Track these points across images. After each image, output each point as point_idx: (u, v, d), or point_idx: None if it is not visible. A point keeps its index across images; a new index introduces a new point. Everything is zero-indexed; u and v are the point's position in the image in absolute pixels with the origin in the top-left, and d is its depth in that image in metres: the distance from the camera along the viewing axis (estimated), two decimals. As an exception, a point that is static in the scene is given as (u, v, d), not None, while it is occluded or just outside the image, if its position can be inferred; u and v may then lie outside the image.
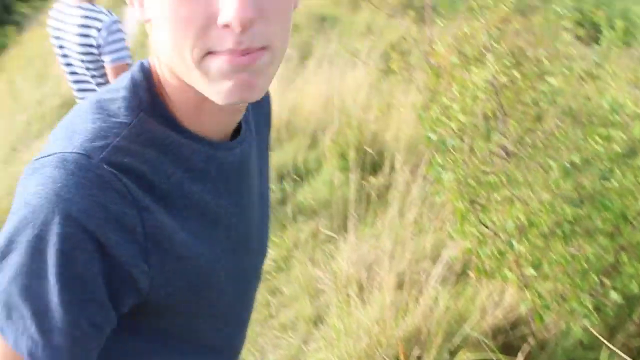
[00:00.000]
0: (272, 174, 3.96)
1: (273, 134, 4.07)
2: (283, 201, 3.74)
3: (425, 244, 2.73)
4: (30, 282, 0.62)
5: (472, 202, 1.96)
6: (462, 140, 2.08)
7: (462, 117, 2.12)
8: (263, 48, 0.62)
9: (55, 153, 0.63)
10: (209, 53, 0.61)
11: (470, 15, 2.47)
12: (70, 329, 0.63)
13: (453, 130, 2.09)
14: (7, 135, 6.09)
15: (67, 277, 0.62)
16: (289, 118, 4.65)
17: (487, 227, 2.04)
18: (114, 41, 2.35)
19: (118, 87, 0.71)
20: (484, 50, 2.26)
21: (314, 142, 4.28)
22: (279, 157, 4.14)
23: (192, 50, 0.61)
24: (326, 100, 4.63)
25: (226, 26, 0.59)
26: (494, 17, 2.42)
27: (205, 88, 0.65)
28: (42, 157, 0.64)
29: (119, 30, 2.39)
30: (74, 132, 0.66)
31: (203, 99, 0.67)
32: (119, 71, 2.36)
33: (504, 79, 2.20)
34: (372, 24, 8.40)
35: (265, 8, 0.61)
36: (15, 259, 0.62)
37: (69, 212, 0.60)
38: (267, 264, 3.14)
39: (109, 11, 2.44)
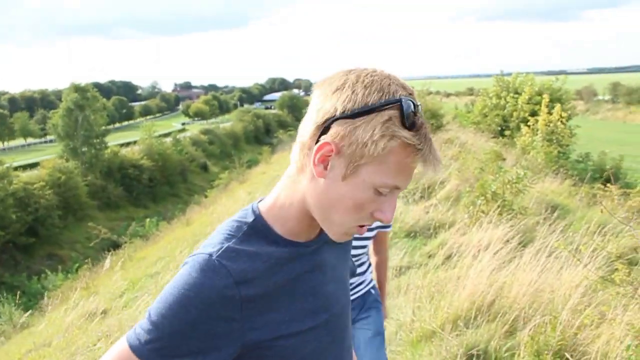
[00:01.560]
0: (461, 351, 3.85)
1: (473, 311, 4.02)
2: (464, 383, 3.59)
3: None
4: None
5: None
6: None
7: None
8: None
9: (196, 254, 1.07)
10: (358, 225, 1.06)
11: None
12: None
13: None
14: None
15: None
16: (493, 299, 4.54)
17: None
18: None
19: (240, 216, 1.13)
20: None
21: (511, 331, 4.11)
22: (473, 337, 4.03)
23: (353, 221, 1.05)
24: (534, 292, 4.45)
25: (379, 219, 1.04)
26: None
27: (333, 233, 1.09)
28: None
29: None
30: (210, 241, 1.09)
31: (308, 224, 1.12)
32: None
33: None
34: (606, 223, 7.97)
35: None
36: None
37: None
38: None
39: None
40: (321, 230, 1.17)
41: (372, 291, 2.71)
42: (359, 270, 2.62)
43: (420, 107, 1.01)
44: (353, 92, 0.99)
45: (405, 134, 0.97)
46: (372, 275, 2.77)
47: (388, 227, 2.71)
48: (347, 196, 1.02)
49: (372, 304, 2.67)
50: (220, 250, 1.03)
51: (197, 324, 0.98)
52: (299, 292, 1.12)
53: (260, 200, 1.17)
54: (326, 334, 1.17)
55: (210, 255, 1.02)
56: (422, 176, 9.99)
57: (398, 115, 0.98)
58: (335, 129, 1.00)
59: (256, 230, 1.09)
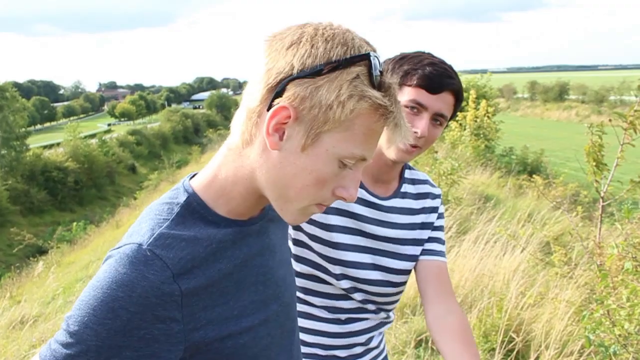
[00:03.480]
0: (411, 338, 3.91)
1: (419, 298, 4.11)
2: (415, 368, 3.66)
3: None
4: None
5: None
6: (625, 348, 1.97)
7: (627, 325, 2.03)
8: None
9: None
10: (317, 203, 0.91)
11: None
12: None
13: (615, 336, 1.99)
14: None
15: None
16: (436, 286, 4.65)
17: None
18: None
19: (170, 196, 0.95)
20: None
21: (457, 316, 4.21)
22: (420, 323, 4.11)
23: (314, 198, 0.90)
24: (476, 277, 4.60)
25: (341, 197, 0.90)
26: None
27: (288, 214, 0.93)
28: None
29: None
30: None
31: (254, 202, 0.95)
32: None
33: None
34: (534, 212, 8.34)
35: None
36: None
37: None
38: None
39: None
40: (265, 205, 1.02)
41: None
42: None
43: (388, 69, 0.91)
44: (312, 46, 0.83)
45: (375, 93, 0.83)
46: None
47: (441, 252, 1.59)
48: (307, 170, 0.86)
49: None
50: (152, 238, 0.85)
51: (130, 330, 0.81)
52: (247, 280, 0.97)
53: (192, 177, 0.99)
54: (277, 326, 1.04)
55: (140, 244, 0.84)
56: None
57: (366, 72, 0.84)
58: (292, 91, 0.83)
59: (191, 210, 0.92)
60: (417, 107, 1.39)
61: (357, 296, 1.49)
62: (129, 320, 0.80)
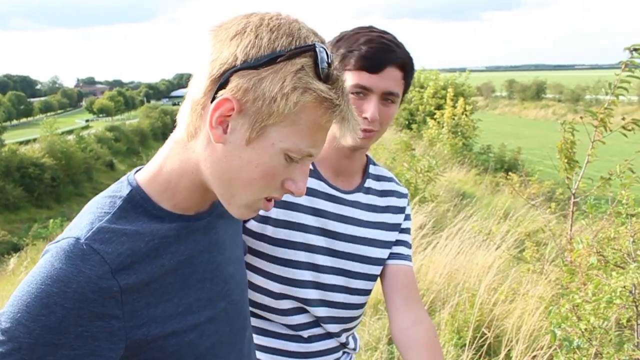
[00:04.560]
0: (384, 334, 3.92)
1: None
2: (388, 364, 3.67)
3: None
4: None
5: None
6: (589, 342, 1.99)
7: (593, 320, 2.05)
8: None
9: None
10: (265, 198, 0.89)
11: (616, 220, 2.45)
12: None
13: (581, 330, 2.01)
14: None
15: None
16: (411, 282, 4.66)
17: None
18: None
19: (114, 190, 0.92)
20: (627, 257, 2.21)
21: (430, 312, 4.23)
22: (393, 319, 4.11)
23: (263, 192, 0.88)
24: (450, 273, 4.62)
25: (289, 190, 0.89)
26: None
27: (234, 209, 0.91)
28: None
29: None
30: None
31: (201, 196, 0.93)
32: None
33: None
34: (510, 209, 8.42)
35: None
36: None
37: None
38: None
39: None
40: (213, 200, 1.00)
41: None
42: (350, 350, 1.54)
43: (334, 57, 0.87)
44: (257, 36, 0.81)
45: (321, 86, 0.81)
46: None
47: (408, 257, 1.52)
48: (253, 164, 0.84)
49: None
50: (90, 232, 0.82)
51: (66, 327, 0.77)
52: (193, 276, 0.94)
53: (138, 171, 0.96)
54: (226, 324, 1.01)
55: (78, 239, 0.81)
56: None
57: (311, 64, 0.82)
58: (235, 82, 0.81)
59: (134, 204, 0.89)
60: (362, 91, 1.28)
61: (315, 308, 1.35)
62: (64, 317, 0.77)
